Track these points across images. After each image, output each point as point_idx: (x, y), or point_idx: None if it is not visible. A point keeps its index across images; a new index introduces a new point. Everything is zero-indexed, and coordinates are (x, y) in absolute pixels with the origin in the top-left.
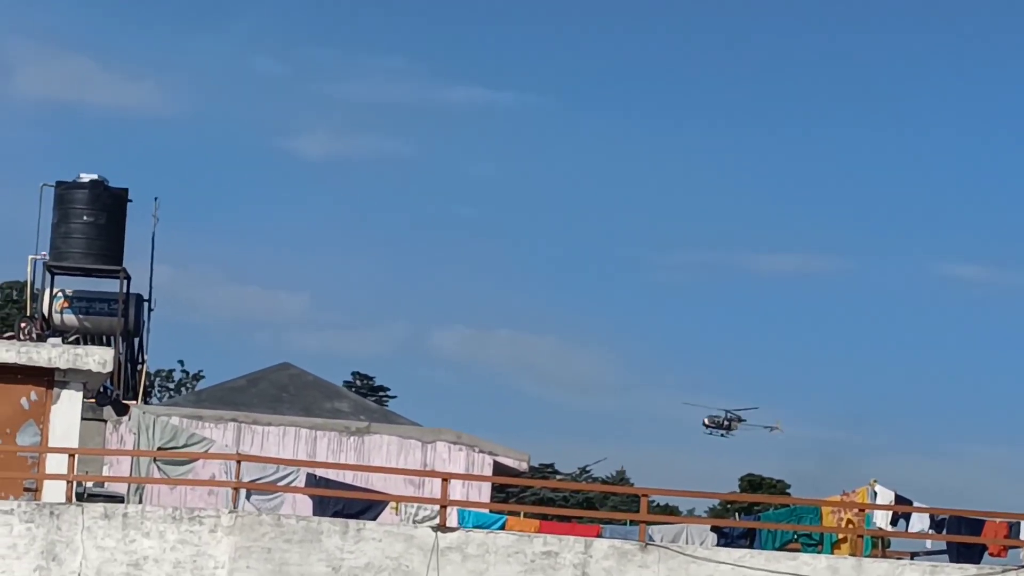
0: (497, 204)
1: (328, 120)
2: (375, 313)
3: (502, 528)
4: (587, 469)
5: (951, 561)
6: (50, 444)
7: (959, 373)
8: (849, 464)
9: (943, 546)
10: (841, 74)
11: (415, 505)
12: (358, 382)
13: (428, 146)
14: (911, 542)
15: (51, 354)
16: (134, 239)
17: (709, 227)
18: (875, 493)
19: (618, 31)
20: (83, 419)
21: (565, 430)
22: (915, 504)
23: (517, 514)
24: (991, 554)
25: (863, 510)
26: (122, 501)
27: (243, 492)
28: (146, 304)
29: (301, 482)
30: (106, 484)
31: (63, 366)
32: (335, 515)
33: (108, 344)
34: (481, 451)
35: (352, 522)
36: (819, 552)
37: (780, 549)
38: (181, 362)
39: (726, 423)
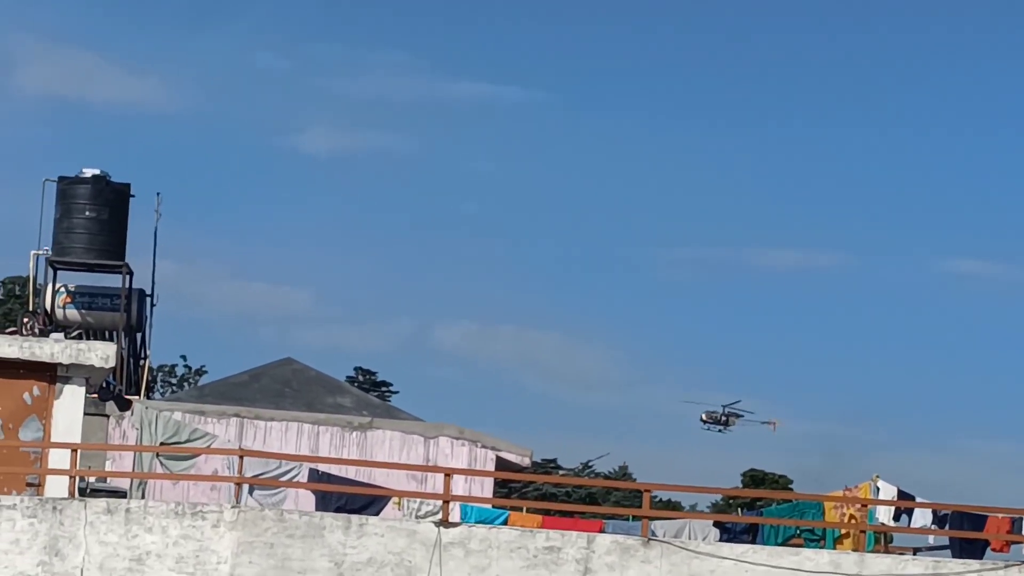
0: (500, 200)
1: (331, 116)
2: (378, 309)
3: (505, 523)
4: (590, 464)
5: (954, 556)
6: (53, 439)
7: (962, 368)
8: (852, 459)
9: (946, 541)
10: (842, 71)
11: (418, 500)
12: (361, 377)
13: (432, 142)
14: (914, 537)
15: (54, 349)
16: (137, 234)
17: (712, 224)
18: (878, 488)
19: (621, 29)
20: (86, 414)
21: (568, 425)
22: (918, 499)
23: (520, 509)
24: (994, 549)
25: (866, 505)
26: (125, 496)
27: (246, 487)
28: (149, 299)
29: (304, 477)
30: (109, 479)
31: (66, 361)
32: (338, 510)
33: (111, 339)
34: (484, 446)
35: (355, 517)
36: (821, 547)
37: (783, 544)
38: (184, 357)
39: (723, 419)
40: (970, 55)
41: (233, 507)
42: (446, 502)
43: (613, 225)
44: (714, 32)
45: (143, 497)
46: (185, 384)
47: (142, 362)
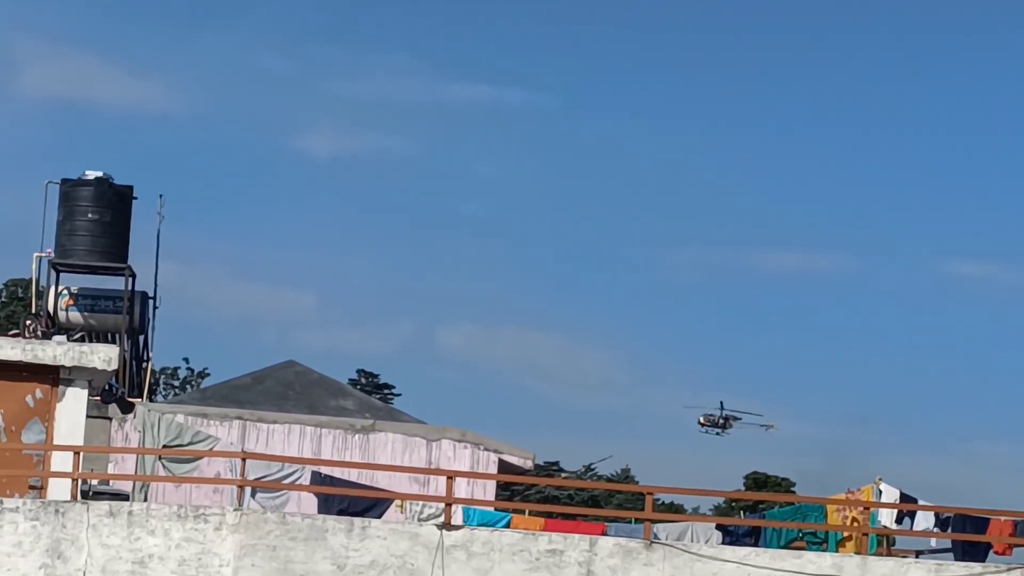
0: (502, 202)
1: (333, 117)
2: (381, 311)
3: (507, 526)
4: (592, 467)
5: (956, 559)
6: (55, 442)
7: (963, 370)
8: (854, 462)
9: (948, 544)
10: (843, 72)
11: (420, 503)
12: (363, 380)
13: (433, 143)
14: (916, 540)
15: (56, 352)
16: (139, 236)
17: (713, 225)
18: (880, 491)
19: (623, 30)
20: (88, 417)
21: (570, 428)
22: (920, 502)
23: (522, 512)
24: (996, 552)
25: (868, 508)
26: (127, 499)
27: (248, 490)
28: (151, 301)
29: (306, 480)
30: (111, 482)
31: (68, 364)
32: (340, 513)
33: (113, 342)
34: (486, 449)
35: (357, 520)
36: (824, 550)
37: (785, 547)
38: (186, 360)
39: (721, 421)
40: (972, 56)
41: (235, 510)
42: (448, 505)
43: (614, 227)
44: (715, 33)
45: (145, 500)
46: (188, 386)
47: (145, 364)
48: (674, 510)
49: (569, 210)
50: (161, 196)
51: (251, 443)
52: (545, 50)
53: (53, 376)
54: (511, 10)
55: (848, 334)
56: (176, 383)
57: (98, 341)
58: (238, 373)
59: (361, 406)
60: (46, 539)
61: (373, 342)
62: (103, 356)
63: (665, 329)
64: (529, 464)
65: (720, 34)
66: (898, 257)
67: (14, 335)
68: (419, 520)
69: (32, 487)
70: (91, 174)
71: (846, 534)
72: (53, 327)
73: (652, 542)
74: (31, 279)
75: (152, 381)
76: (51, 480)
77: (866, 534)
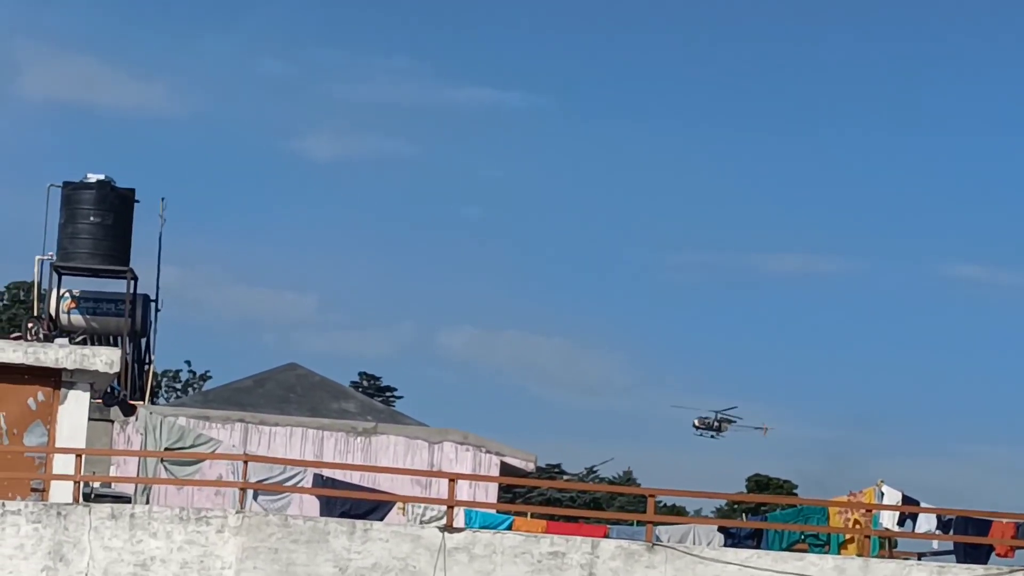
0: (503, 205)
1: (334, 120)
2: (382, 314)
3: (509, 528)
4: (594, 469)
5: (958, 561)
6: (57, 444)
7: (965, 372)
8: (856, 464)
9: (950, 546)
10: (844, 76)
11: (422, 505)
12: (365, 382)
13: (434, 147)
14: (918, 542)
15: (58, 354)
16: (141, 239)
17: (714, 228)
18: (882, 493)
19: (624, 33)
20: (90, 419)
21: (572, 430)
22: (922, 504)
23: (524, 514)
24: (998, 554)
25: (870, 510)
26: (129, 501)
27: (250, 492)
28: (153, 304)
29: (308, 482)
30: (113, 484)
31: (70, 366)
32: (342, 515)
33: (115, 344)
34: (488, 451)
35: (359, 522)
36: (826, 552)
37: (787, 549)
38: (188, 362)
39: (716, 424)
40: (972, 59)
41: (237, 512)
42: (450, 507)
43: (615, 229)
44: (715, 36)
45: (147, 502)
46: (189, 389)
47: (146, 367)
48: (676, 512)
49: (570, 212)
50: (163, 199)
51: (253, 446)
52: (546, 53)
53: (55, 379)
54: (512, 13)
55: (849, 336)
56: (178, 386)
57: (100, 344)
58: (240, 376)
59: (363, 409)
60: (48, 542)
61: (374, 344)
62: (105, 359)
63: (666, 331)
64: (531, 466)
65: (721, 37)
66: (898, 259)
67: (16, 338)
68: (421, 522)
69: (34, 490)
70: (93, 177)
71: (848, 536)
72: (55, 330)
73: (654, 544)
74: (33, 282)
75: (154, 384)
76: (53, 483)
77: (868, 536)
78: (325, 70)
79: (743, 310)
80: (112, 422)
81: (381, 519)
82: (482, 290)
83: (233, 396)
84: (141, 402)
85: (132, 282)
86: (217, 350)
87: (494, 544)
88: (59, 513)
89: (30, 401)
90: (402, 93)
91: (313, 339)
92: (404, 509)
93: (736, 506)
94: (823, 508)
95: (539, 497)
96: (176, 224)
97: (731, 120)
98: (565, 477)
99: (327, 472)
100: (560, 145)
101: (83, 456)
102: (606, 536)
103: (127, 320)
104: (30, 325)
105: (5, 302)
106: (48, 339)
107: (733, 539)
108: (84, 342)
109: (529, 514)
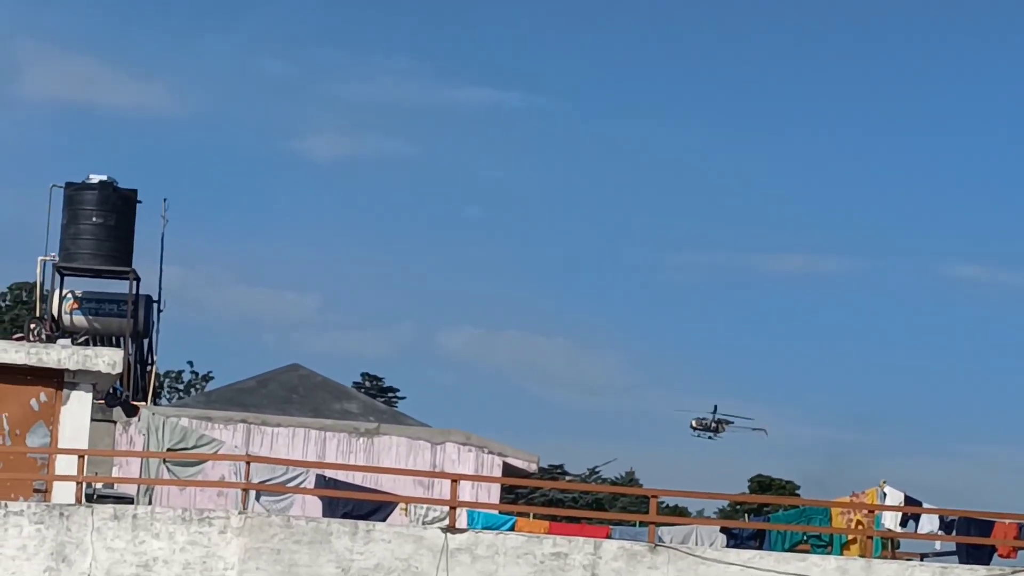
0: (504, 205)
1: (336, 121)
2: (384, 314)
3: (511, 529)
4: (596, 470)
5: (960, 562)
6: (60, 445)
7: (966, 372)
8: (858, 465)
9: (953, 547)
10: (846, 76)
11: (424, 506)
12: (367, 383)
13: (435, 147)
14: (921, 543)
15: (60, 355)
16: (143, 240)
17: (715, 228)
18: (884, 494)
19: (625, 33)
20: (92, 420)
21: (574, 431)
22: (925, 505)
23: (526, 515)
24: (1001, 555)
25: (872, 511)
26: (132, 502)
27: (252, 493)
28: (155, 305)
29: (310, 483)
30: (116, 485)
31: (72, 367)
32: (344, 516)
33: (117, 345)
34: (490, 452)
35: (361, 523)
36: (829, 553)
37: (790, 550)
38: (190, 363)
39: (713, 425)
40: (973, 59)
41: (240, 513)
42: (453, 508)
43: (617, 230)
44: (716, 36)
45: (150, 503)
46: (192, 390)
47: (149, 368)
48: (678, 513)
49: (571, 213)
50: (165, 199)
51: (255, 446)
52: (546, 53)
53: (57, 380)
54: (512, 13)
55: (849, 336)
56: (180, 386)
57: (102, 345)
58: (242, 376)
59: (365, 409)
60: (51, 542)
61: (376, 345)
62: (107, 360)
63: (668, 331)
64: (533, 467)
65: (722, 37)
66: (899, 260)
67: (18, 339)
68: (423, 523)
69: (36, 490)
70: (95, 178)
71: (851, 537)
72: (57, 331)
73: (656, 545)
74: (35, 283)
75: (156, 384)
76: (55, 483)
77: (871, 537)
78: (325, 70)
79: (743, 310)
80: (114, 423)
81: (383, 520)
82: (482, 290)
83: (235, 397)
84: (143, 403)
85: (134, 283)
86: (219, 351)
87: (496, 545)
88: (62, 514)
89: (32, 402)
90: (402, 93)
91: (314, 339)
92: (406, 510)
93: (738, 507)
94: (826, 509)
95: (541, 498)
96: (178, 224)
97: (731, 120)
98: (567, 478)
99: (329, 473)
100: (560, 145)
101: (85, 457)
102: (608, 537)
103: (129, 321)
104: (32, 326)
105: (7, 303)
106: (50, 340)
107: (735, 540)
108: (86, 343)
109: (531, 515)
